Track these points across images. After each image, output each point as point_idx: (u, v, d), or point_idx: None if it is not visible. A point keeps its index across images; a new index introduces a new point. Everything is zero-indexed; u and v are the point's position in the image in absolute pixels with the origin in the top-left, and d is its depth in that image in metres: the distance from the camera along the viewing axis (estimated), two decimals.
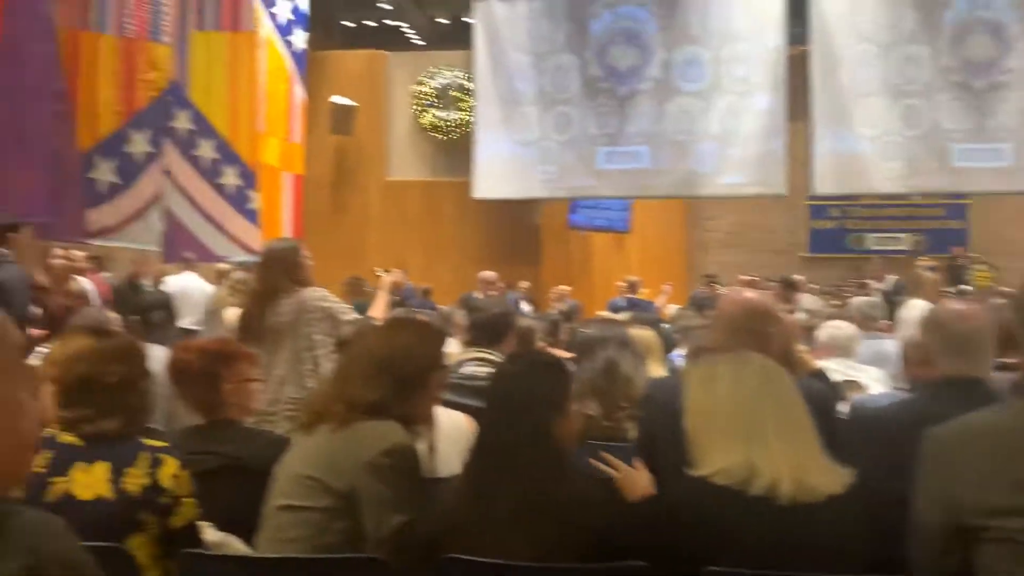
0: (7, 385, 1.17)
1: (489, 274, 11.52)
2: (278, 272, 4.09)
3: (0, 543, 1.05)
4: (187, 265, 9.12)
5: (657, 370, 3.95)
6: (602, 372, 3.20)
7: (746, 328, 2.60)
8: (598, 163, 12.73)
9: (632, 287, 11.48)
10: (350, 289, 10.50)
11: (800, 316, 7.83)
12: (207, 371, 2.63)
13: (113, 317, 4.53)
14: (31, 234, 5.94)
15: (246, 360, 2.75)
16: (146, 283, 8.04)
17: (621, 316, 6.23)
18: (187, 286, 8.48)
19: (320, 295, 4.13)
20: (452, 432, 2.83)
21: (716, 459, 1.95)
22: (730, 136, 12.31)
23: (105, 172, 7.97)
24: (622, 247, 15.63)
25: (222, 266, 9.31)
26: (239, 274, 7.28)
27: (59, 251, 5.84)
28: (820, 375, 4.14)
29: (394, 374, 2.23)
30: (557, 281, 13.47)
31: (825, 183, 12.10)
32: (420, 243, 15.23)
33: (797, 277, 11.57)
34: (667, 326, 6.19)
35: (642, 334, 3.83)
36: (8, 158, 6.83)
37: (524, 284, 12.57)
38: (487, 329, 3.54)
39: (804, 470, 1.94)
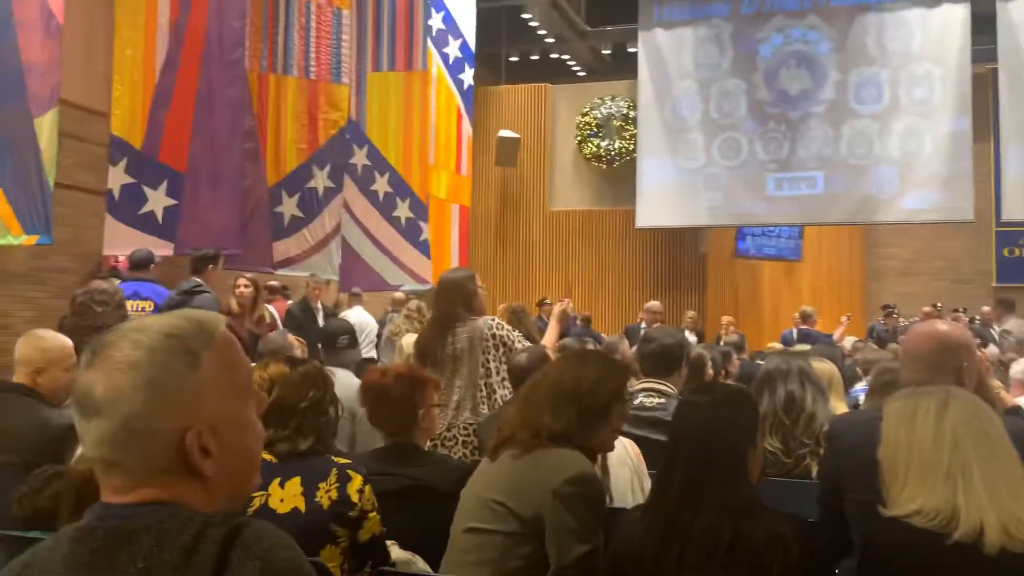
0: (242, 407, 1.27)
1: (655, 304, 11.44)
2: (454, 300, 4.21)
3: (237, 551, 1.14)
4: (356, 299, 9.56)
5: (838, 405, 3.81)
6: (783, 406, 3.13)
7: (940, 362, 2.48)
8: (768, 189, 12.44)
9: (806, 318, 11.09)
10: (511, 318, 10.62)
11: (991, 351, 7.37)
12: (404, 395, 2.74)
13: (296, 342, 4.79)
14: (222, 264, 6.40)
15: (433, 386, 2.87)
16: (322, 309, 8.46)
17: (798, 348, 6.04)
18: (359, 319, 8.90)
19: (494, 323, 4.23)
20: (621, 459, 2.84)
21: (915, 500, 1.86)
22: (911, 159, 11.77)
23: (289, 206, 8.45)
24: (793, 276, 15.14)
25: (397, 295, 9.71)
26: (414, 303, 7.55)
27: (245, 280, 6.24)
28: (1017, 412, 3.89)
29: (579, 405, 2.26)
30: (723, 311, 13.21)
31: (1015, 207, 11.34)
32: (583, 272, 15.30)
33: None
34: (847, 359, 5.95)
35: (822, 367, 3.70)
36: (205, 196, 7.38)
37: (691, 314, 12.38)
38: (660, 360, 3.52)
39: (1013, 516, 1.83)
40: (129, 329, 1.22)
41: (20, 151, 6.23)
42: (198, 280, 5.91)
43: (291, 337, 4.78)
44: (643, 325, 9.96)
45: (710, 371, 4.25)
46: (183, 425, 1.18)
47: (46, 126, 6.29)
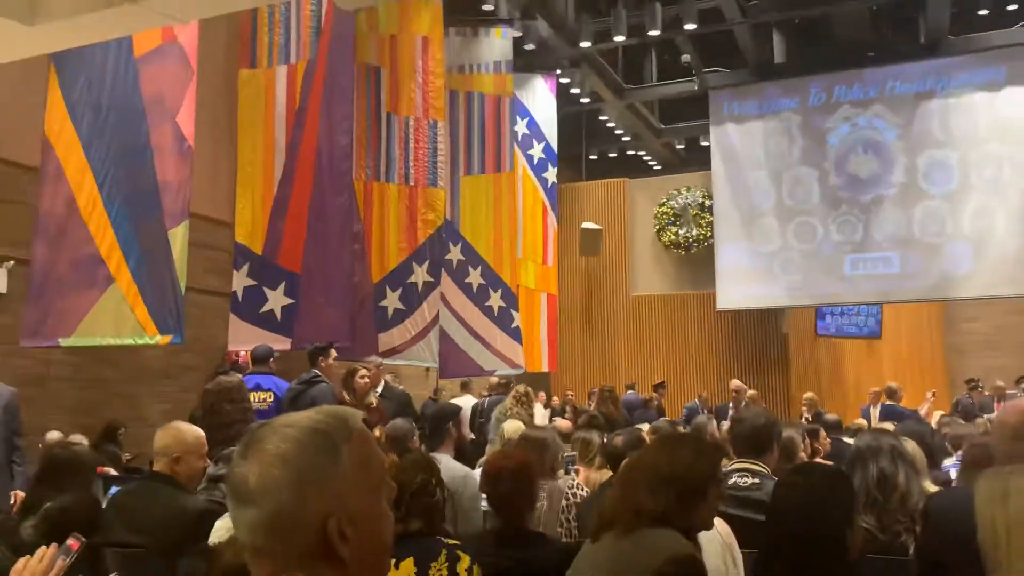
0: (375, 496, 1.30)
1: (736, 383, 11.24)
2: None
3: None
4: (466, 387, 9.69)
5: (924, 483, 3.64)
6: (876, 484, 3.02)
7: None
8: (845, 270, 12.20)
9: (892, 394, 10.67)
10: (601, 399, 10.58)
11: None
12: (524, 480, 2.76)
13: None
14: (334, 356, 6.55)
15: (535, 469, 2.88)
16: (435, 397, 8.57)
17: (885, 425, 5.81)
18: (466, 405, 9.01)
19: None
20: (709, 536, 2.77)
21: None
22: (984, 236, 11.41)
23: (392, 300, 8.64)
24: (874, 353, 14.65)
25: (492, 379, 9.77)
26: (522, 387, 7.56)
27: (366, 371, 6.38)
28: None
29: (677, 486, 2.24)
30: (807, 389, 12.84)
31: None
32: (666, 353, 15.13)
33: None
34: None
35: (909, 445, 3.56)
36: (318, 294, 7.60)
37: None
38: (751, 440, 3.45)
39: None
40: (280, 424, 1.27)
41: (156, 261, 6.56)
42: (315, 371, 6.07)
43: (412, 426, 4.85)
44: (731, 404, 9.75)
45: (803, 454, 4.13)
46: (325, 513, 1.21)
47: (178, 237, 6.62)
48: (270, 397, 6.24)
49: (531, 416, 7.44)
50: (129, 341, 6.56)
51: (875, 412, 11.14)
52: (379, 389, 8.59)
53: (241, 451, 1.27)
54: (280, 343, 7.46)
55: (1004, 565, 1.82)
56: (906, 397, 11.54)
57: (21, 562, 1.82)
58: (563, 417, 10.39)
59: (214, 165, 8.77)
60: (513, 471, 2.80)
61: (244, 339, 7.46)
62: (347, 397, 6.12)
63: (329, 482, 1.22)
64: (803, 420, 9.29)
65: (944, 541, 2.20)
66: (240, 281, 7.66)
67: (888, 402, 10.55)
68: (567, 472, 4.15)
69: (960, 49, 11.88)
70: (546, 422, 9.37)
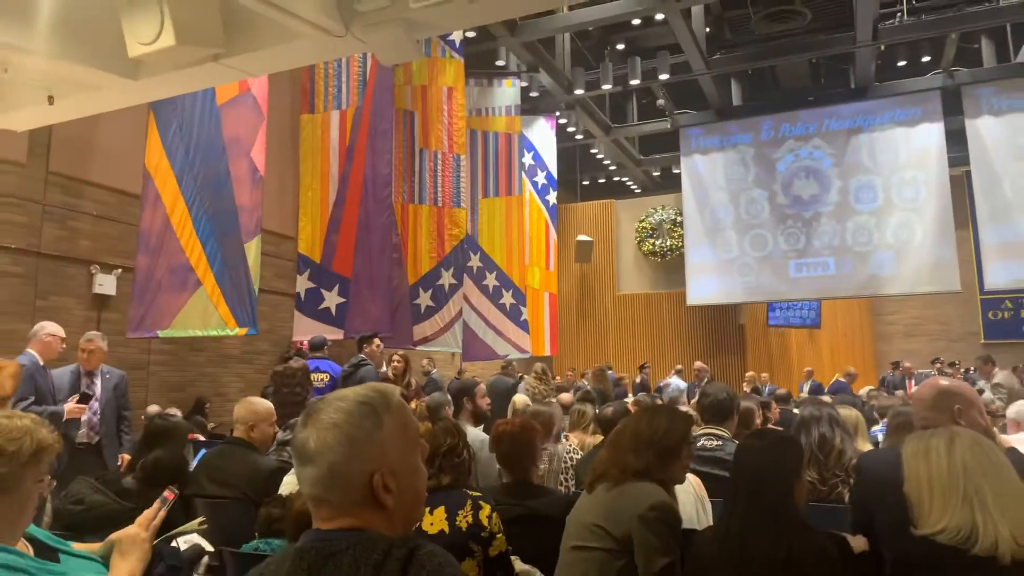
0: (412, 455, 1.30)
1: (699, 364, 11.19)
2: None
3: (414, 567, 1.14)
4: (505, 370, 9.68)
5: (863, 444, 3.61)
6: (817, 445, 3.00)
7: (945, 407, 2.35)
8: (791, 272, 12.12)
9: (849, 376, 10.62)
10: (595, 377, 10.54)
11: (987, 397, 6.88)
12: (527, 441, 2.74)
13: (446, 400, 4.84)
14: (378, 343, 6.54)
15: (538, 434, 2.85)
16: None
17: (824, 397, 5.77)
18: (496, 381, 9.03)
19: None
20: (685, 489, 2.75)
21: (940, 521, 1.74)
22: (904, 244, 11.33)
23: (424, 299, 8.64)
24: (814, 340, 14.58)
25: (504, 361, 9.73)
26: (540, 366, 7.53)
27: (398, 356, 6.37)
28: (1013, 451, 3.61)
29: (656, 447, 2.22)
30: (760, 370, 12.80)
31: (995, 279, 10.74)
32: (646, 342, 15.07)
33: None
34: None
35: (848, 413, 3.54)
36: (365, 294, 7.61)
37: (750, 374, 12.13)
38: (716, 410, 3.43)
39: (1022, 529, 1.70)
40: (333, 398, 1.27)
41: (235, 268, 6.58)
42: (362, 356, 6.06)
43: (448, 397, 4.86)
44: (696, 383, 9.69)
45: (758, 421, 4.10)
46: (371, 469, 1.21)
47: (253, 249, 6.63)
48: (326, 377, 6.25)
49: (552, 389, 7.40)
50: (214, 333, 6.59)
51: (806, 387, 11.18)
52: (433, 372, 8.59)
53: (303, 420, 1.27)
54: (334, 334, 7.47)
55: (926, 509, 1.80)
56: (830, 375, 11.51)
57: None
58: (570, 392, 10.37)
59: (281, 191, 8.80)
60: (514, 434, 2.77)
61: (305, 330, 7.47)
62: (391, 377, 6.11)
63: (373, 444, 1.22)
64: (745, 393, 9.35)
65: (873, 491, 2.18)
66: (302, 284, 7.67)
67: (842, 379, 10.56)
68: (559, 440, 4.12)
69: (884, 93, 11.81)
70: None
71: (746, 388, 9.98)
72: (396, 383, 5.95)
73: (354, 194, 7.73)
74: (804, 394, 9.09)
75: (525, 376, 8.82)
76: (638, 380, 12.06)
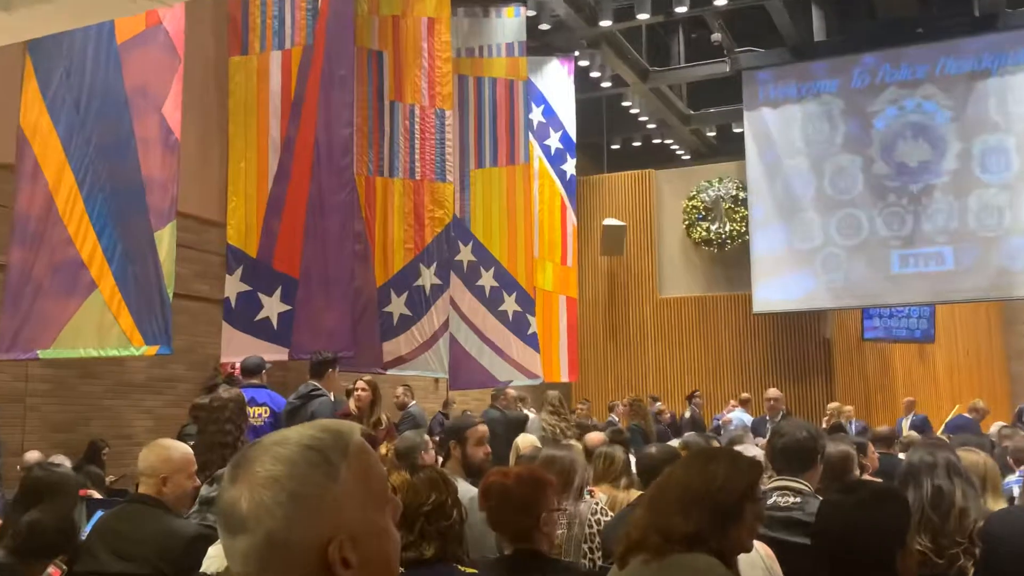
0: (378, 514, 1.29)
1: (773, 392, 11.16)
2: None
3: None
4: (522, 401, 9.72)
5: (993, 501, 3.60)
6: (931, 502, 2.99)
7: None
8: (893, 267, 12.11)
9: (975, 411, 10.55)
10: (630, 411, 10.58)
11: None
12: (526, 497, 2.70)
13: (432, 442, 4.84)
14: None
15: (552, 487, 2.82)
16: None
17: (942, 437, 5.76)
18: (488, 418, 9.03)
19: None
20: (752, 562, 2.73)
21: None
22: None
23: (397, 305, 8.65)
24: (926, 358, 14.56)
25: (509, 391, 9.74)
26: (554, 394, 7.49)
27: (363, 383, 6.38)
28: None
29: (710, 505, 2.21)
30: (853, 399, 12.79)
31: None
32: (698, 364, 15.07)
33: None
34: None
35: (973, 459, 3.52)
36: (318, 300, 7.62)
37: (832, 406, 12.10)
38: (794, 455, 3.41)
39: None
40: (270, 443, 1.27)
41: (141, 263, 6.59)
42: (315, 384, 6.08)
43: (427, 438, 4.85)
44: (767, 417, 9.70)
45: (857, 471, 4.06)
46: (324, 536, 1.20)
47: (165, 238, 6.65)
48: (266, 412, 6.26)
49: (572, 427, 7.37)
50: (113, 352, 6.60)
51: (905, 423, 11.12)
52: (412, 405, 8.62)
53: (230, 473, 1.27)
54: (276, 353, 7.49)
55: None
56: (961, 407, 11.46)
57: None
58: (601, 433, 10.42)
59: (203, 160, 8.82)
60: (507, 488, 2.74)
61: (237, 349, 7.49)
62: (353, 411, 6.12)
63: (326, 503, 1.21)
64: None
65: (1008, 566, 2.17)
66: (233, 286, 7.70)
67: (918, 414, 10.52)
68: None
69: (1019, 23, 11.78)
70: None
71: (825, 424, 9.99)
72: (360, 420, 5.96)
73: (302, 164, 7.74)
74: (907, 433, 9.07)
75: (528, 408, 8.84)
76: (687, 415, 12.07)
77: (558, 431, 7.18)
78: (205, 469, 4.12)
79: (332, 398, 6.15)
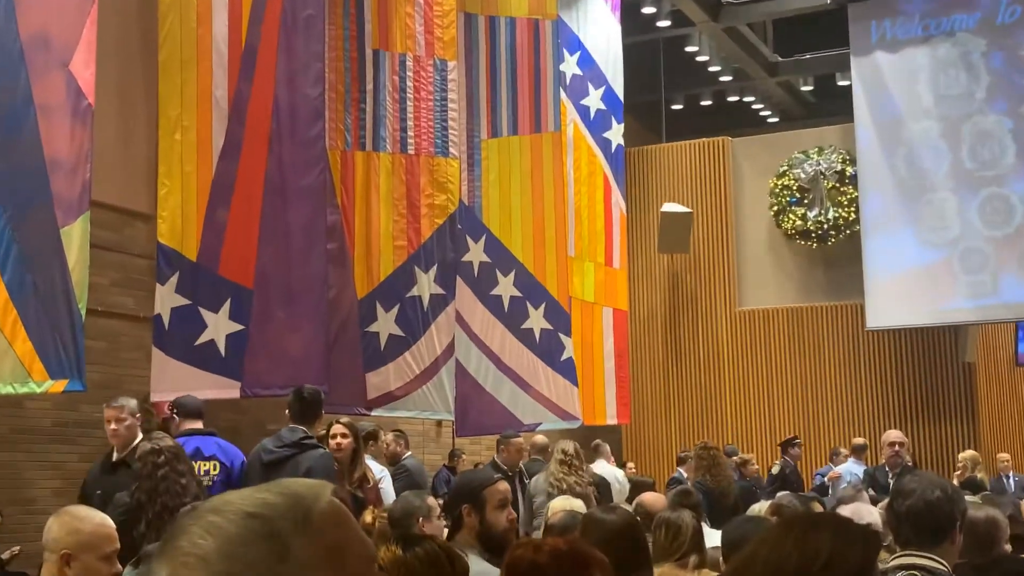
0: None
1: (894, 434, 11.10)
2: None
3: None
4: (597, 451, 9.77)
5: None
6: None
7: None
8: None
9: None
10: (701, 462, 10.53)
11: None
12: None
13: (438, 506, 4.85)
14: None
15: (600, 568, 2.82)
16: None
17: None
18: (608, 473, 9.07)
19: None
20: None
21: None
22: None
23: (386, 323, 8.65)
24: None
25: (539, 438, 9.70)
26: (568, 444, 7.54)
27: (342, 427, 6.38)
28: None
29: None
30: (1003, 442, 12.70)
31: None
32: (790, 393, 15.00)
33: None
34: None
35: None
36: (279, 317, 7.62)
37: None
38: (924, 522, 3.39)
39: None
40: (207, 509, 1.26)
41: (44, 270, 6.62)
42: (304, 430, 6.04)
43: (431, 500, 4.86)
44: (887, 469, 9.65)
45: (1007, 545, 4.03)
46: None
47: (75, 237, 6.67)
48: (214, 468, 6.26)
49: (586, 482, 7.43)
50: (7, 390, 6.63)
51: None
52: (406, 457, 8.65)
53: (160, 549, 1.27)
54: (224, 388, 7.51)
55: None
56: None
57: None
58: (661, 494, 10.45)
59: (125, 133, 8.86)
60: (546, 568, 2.75)
61: (173, 383, 7.51)
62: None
63: None
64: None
65: None
66: (166, 300, 7.71)
67: None
68: None
69: None
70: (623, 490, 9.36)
71: (957, 479, 9.94)
72: (340, 479, 5.97)
73: (257, 135, 7.78)
74: None
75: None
76: (778, 467, 11.98)
77: (564, 486, 7.24)
78: (131, 546, 4.13)
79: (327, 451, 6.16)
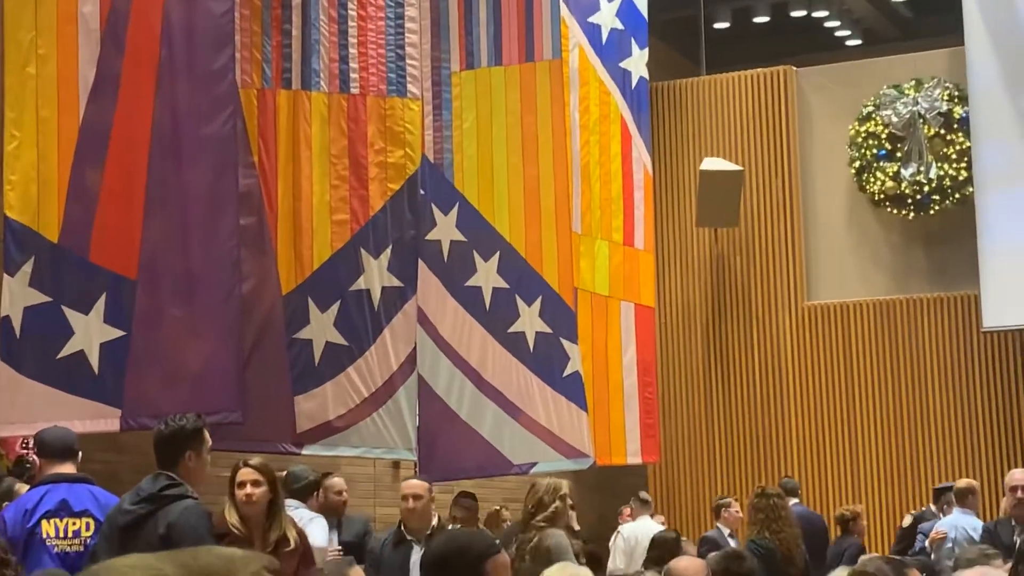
0: None
1: (1021, 475, 11.18)
2: None
3: None
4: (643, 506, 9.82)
5: None
6: None
7: None
8: None
9: None
10: (757, 514, 10.62)
11: None
12: None
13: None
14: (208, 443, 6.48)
15: None
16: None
17: None
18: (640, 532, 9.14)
19: None
20: None
21: None
22: None
23: (322, 327, 8.66)
24: None
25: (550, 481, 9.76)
26: (561, 483, 7.59)
27: (251, 471, 6.34)
28: None
29: None
30: None
31: None
32: (876, 409, 15.06)
33: None
34: None
35: None
36: (173, 318, 7.62)
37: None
38: None
39: None
40: None
41: None
42: (169, 475, 6.06)
43: (356, 570, 4.89)
44: (1012, 521, 9.75)
45: None
46: None
47: None
48: (87, 527, 6.27)
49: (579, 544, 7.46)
50: None
51: None
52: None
53: None
54: (98, 418, 7.51)
55: None
56: None
57: None
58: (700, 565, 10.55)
59: None
60: None
61: (27, 410, 7.50)
62: (237, 525, 6.14)
63: None
64: None
65: None
66: (17, 296, 7.71)
67: None
68: None
69: None
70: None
71: None
72: (249, 542, 5.98)
73: (141, 69, 7.79)
74: None
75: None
76: (910, 519, 11.82)
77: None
78: None
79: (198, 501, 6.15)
